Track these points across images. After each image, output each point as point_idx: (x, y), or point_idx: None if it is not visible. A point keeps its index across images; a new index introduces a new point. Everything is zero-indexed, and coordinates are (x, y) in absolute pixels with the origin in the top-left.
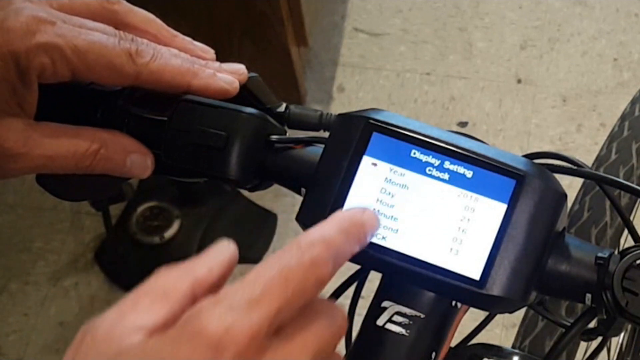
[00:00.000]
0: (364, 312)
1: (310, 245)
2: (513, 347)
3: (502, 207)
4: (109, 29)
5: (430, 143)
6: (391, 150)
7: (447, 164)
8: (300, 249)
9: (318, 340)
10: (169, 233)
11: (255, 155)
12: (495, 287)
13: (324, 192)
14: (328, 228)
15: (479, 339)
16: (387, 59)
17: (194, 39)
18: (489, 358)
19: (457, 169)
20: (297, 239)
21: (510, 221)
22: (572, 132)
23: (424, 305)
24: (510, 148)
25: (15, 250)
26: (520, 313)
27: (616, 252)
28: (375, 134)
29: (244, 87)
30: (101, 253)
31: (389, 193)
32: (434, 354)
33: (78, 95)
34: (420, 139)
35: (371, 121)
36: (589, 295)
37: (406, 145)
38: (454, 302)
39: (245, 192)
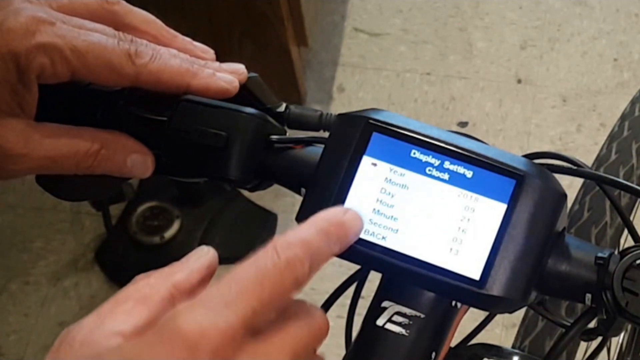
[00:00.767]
0: (364, 312)
1: (287, 246)
2: (513, 347)
3: (502, 207)
4: (108, 29)
5: (430, 143)
6: (391, 150)
7: (447, 164)
8: (276, 250)
9: (297, 342)
10: (169, 233)
11: (255, 155)
12: (495, 287)
13: (323, 192)
14: (306, 229)
15: (479, 339)
16: (387, 59)
17: (194, 39)
18: (489, 358)
19: (457, 169)
20: (273, 241)
21: (510, 221)
22: (572, 132)
23: (423, 305)
24: (510, 148)
25: (15, 250)
26: (520, 313)
27: (616, 252)
28: (375, 134)
29: (243, 87)
30: (101, 253)
31: (389, 193)
32: (434, 354)
33: (78, 96)
34: (420, 139)
35: (371, 121)
36: (589, 295)
37: (406, 145)
38: (454, 302)
39: (245, 192)
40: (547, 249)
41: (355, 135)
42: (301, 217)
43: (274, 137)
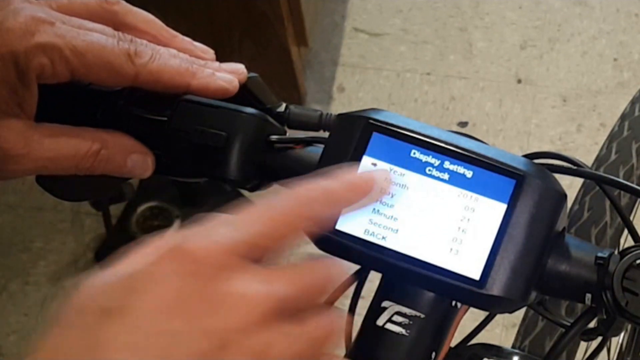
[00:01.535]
0: (364, 312)
1: (304, 188)
2: (513, 347)
3: (502, 207)
4: (107, 29)
5: (430, 143)
6: (391, 150)
7: (447, 164)
8: (291, 191)
9: (307, 337)
10: None
11: (255, 155)
12: (495, 287)
13: None
14: (329, 179)
15: (479, 339)
16: (387, 59)
17: (194, 39)
18: (489, 358)
19: (457, 169)
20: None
21: (510, 221)
22: (572, 132)
23: (423, 305)
24: (510, 148)
25: (15, 250)
26: (520, 313)
27: (616, 252)
28: (375, 134)
29: (243, 87)
30: (101, 253)
31: (389, 193)
32: (433, 354)
33: (78, 96)
34: (420, 139)
35: (371, 121)
36: (588, 295)
37: (406, 145)
38: (453, 302)
39: (245, 192)
40: (547, 249)
41: (355, 135)
42: None
43: (274, 137)
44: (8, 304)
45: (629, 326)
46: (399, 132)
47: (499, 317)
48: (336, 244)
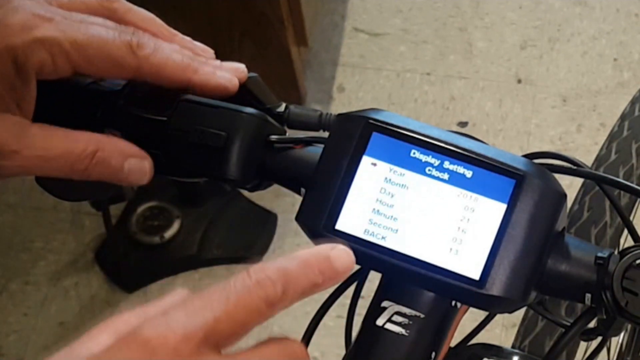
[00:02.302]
0: (364, 312)
1: (260, 269)
2: (513, 347)
3: (501, 207)
4: (109, 22)
5: (430, 143)
6: (391, 150)
7: (446, 164)
8: (248, 273)
9: None
10: (169, 233)
11: (255, 155)
12: (495, 287)
13: (323, 192)
14: (285, 259)
15: (479, 339)
16: (387, 59)
17: (194, 38)
18: (489, 358)
19: (456, 168)
20: (246, 269)
21: (510, 221)
22: (572, 132)
23: (423, 305)
24: (510, 148)
25: (15, 250)
26: (520, 313)
27: (616, 252)
28: (375, 134)
29: (243, 86)
30: (101, 253)
31: (389, 193)
32: (433, 354)
33: (77, 95)
34: (419, 139)
35: (371, 121)
36: (588, 295)
37: (406, 145)
38: (453, 302)
39: (245, 192)
40: (547, 249)
41: (355, 135)
42: (301, 217)
43: (274, 137)
44: (8, 304)
45: (629, 326)
46: (398, 132)
47: (499, 317)
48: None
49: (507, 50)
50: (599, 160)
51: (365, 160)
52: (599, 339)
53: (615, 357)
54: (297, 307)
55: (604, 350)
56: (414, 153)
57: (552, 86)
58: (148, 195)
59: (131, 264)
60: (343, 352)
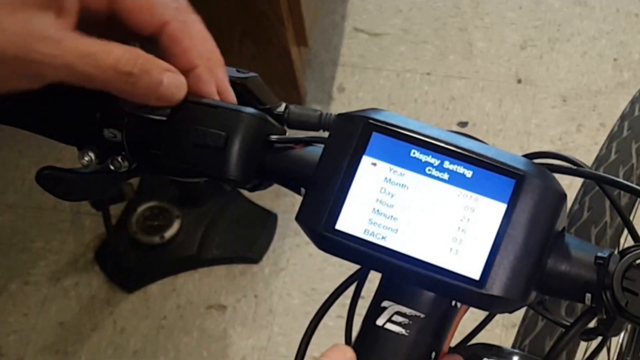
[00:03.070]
0: (364, 312)
1: None
2: (513, 347)
3: (501, 207)
4: None
5: (430, 143)
6: (391, 150)
7: (446, 164)
8: None
9: None
10: (169, 233)
11: (255, 155)
12: (495, 287)
13: (323, 192)
14: None
15: (479, 339)
16: (387, 59)
17: None
18: (489, 358)
19: (456, 168)
20: None
21: (510, 221)
22: (572, 132)
23: (423, 305)
24: (510, 148)
25: (15, 250)
26: (520, 313)
27: (616, 252)
28: (374, 134)
29: (244, 87)
30: (101, 253)
31: (389, 193)
32: (433, 354)
33: (78, 96)
34: (419, 139)
35: (371, 121)
36: (588, 295)
37: (406, 145)
38: (453, 302)
39: (245, 192)
40: (547, 248)
41: (355, 135)
42: (301, 217)
43: (274, 137)
44: (8, 304)
45: (629, 326)
46: (398, 132)
47: (499, 317)
48: (336, 243)
49: (507, 50)
50: (599, 160)
51: (365, 160)
52: (599, 339)
53: (615, 357)
54: (297, 307)
55: (604, 350)
56: (414, 153)
57: (552, 86)
58: (148, 195)
59: (131, 264)
60: None
